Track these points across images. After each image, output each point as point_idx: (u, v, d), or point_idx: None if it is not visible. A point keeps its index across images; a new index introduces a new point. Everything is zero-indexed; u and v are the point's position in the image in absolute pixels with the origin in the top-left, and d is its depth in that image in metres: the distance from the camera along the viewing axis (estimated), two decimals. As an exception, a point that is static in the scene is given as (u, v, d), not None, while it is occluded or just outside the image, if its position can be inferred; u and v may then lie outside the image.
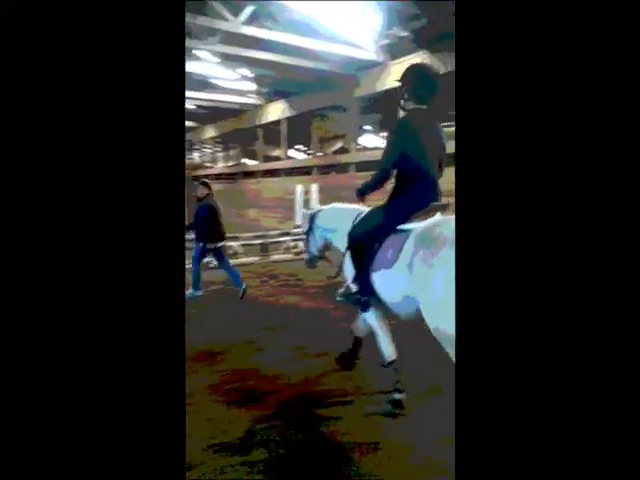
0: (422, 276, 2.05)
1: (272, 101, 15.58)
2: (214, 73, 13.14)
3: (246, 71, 12.96)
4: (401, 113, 2.60)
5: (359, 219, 2.72)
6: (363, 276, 2.53)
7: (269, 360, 3.42)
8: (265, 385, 2.96)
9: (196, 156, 25.87)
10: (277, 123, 15.93)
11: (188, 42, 9.62)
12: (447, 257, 1.91)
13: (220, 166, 21.85)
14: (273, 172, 16.32)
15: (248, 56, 10.19)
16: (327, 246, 3.38)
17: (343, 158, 13.04)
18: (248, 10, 8.22)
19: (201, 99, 15.34)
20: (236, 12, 8.31)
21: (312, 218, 3.46)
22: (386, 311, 2.59)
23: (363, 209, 2.84)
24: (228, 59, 11.54)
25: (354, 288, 2.63)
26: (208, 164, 24.73)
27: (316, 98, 13.22)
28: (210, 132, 20.32)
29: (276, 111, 15.54)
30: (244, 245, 7.48)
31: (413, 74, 2.49)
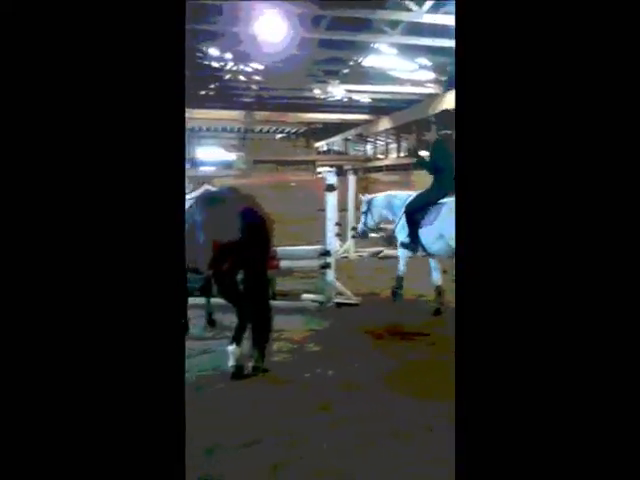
0: (450, 224, 3.82)
1: (450, 89, 14.96)
2: (393, 65, 13.20)
3: (425, 60, 12.69)
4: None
5: (412, 198, 4.89)
6: (414, 232, 4.67)
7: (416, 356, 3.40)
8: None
9: (368, 148, 26.53)
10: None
11: (367, 37, 9.82)
12: None
13: (393, 157, 22.02)
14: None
15: (427, 45, 9.96)
16: (382, 220, 5.58)
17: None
18: (432, -2, 8.03)
19: (377, 92, 15.61)
20: (420, 2, 8.18)
21: (370, 202, 5.58)
22: (424, 251, 4.78)
23: (410, 194, 5.06)
24: (407, 50, 11.45)
25: (407, 240, 4.81)
26: (380, 156, 25.15)
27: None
28: (385, 124, 20.58)
29: (452, 99, 14.88)
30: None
31: (444, 115, 5.32)
